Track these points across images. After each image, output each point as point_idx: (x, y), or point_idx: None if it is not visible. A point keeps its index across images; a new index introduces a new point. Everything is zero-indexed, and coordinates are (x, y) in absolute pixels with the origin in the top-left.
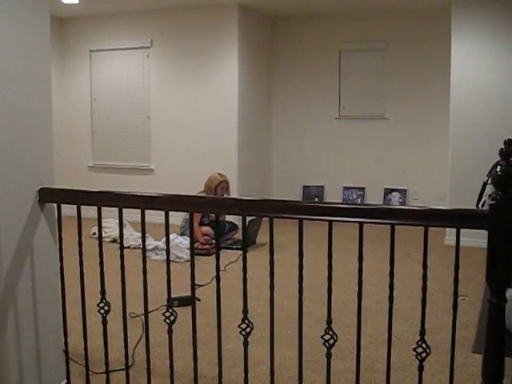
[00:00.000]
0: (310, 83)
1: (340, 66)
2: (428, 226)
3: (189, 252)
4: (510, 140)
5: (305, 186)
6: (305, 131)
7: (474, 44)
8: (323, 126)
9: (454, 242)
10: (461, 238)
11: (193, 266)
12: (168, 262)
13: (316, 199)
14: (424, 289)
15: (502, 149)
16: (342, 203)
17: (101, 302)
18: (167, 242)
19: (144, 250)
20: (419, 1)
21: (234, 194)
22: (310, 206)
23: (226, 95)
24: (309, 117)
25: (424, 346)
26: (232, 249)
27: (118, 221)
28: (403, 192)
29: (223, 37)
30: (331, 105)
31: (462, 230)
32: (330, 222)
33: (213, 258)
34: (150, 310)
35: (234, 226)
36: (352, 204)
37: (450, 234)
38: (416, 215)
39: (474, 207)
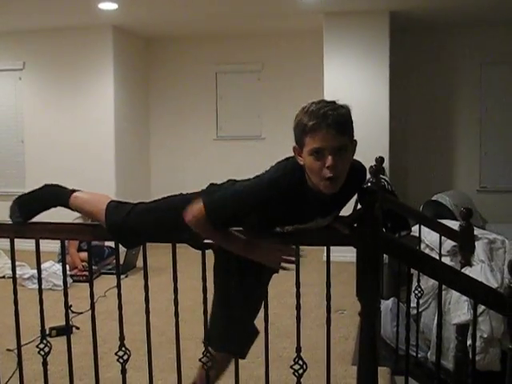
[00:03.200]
0: (188, 104)
1: (217, 87)
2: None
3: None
4: (380, 157)
5: None
6: (184, 153)
7: (344, 62)
8: (202, 148)
9: (332, 258)
10: (338, 254)
11: (66, 294)
12: (40, 290)
13: None
14: (298, 307)
15: (371, 166)
16: None
17: None
18: (38, 270)
19: (14, 279)
20: (292, 24)
21: None
22: None
23: (101, 118)
24: (187, 138)
25: (301, 362)
26: (112, 273)
27: None
28: None
29: (98, 58)
30: (209, 126)
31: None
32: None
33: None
34: (27, 341)
35: (113, 251)
36: None
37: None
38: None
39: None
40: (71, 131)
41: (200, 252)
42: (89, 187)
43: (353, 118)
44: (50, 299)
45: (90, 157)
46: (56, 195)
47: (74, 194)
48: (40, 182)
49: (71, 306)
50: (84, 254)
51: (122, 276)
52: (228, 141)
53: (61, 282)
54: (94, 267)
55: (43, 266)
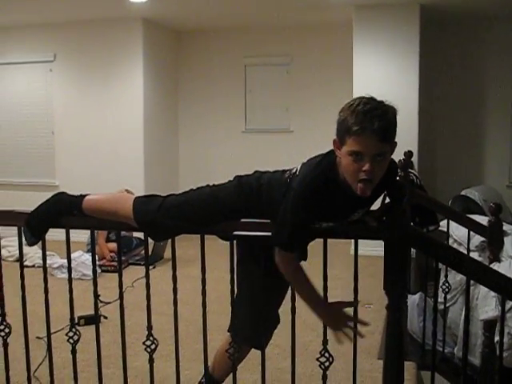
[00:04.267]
0: (217, 96)
1: (245, 80)
2: (327, 237)
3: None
4: (409, 151)
5: None
6: (212, 144)
7: (374, 56)
8: (230, 140)
9: (360, 252)
10: (366, 247)
11: (95, 284)
12: (70, 279)
13: None
14: (325, 300)
15: (400, 160)
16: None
17: (1, 324)
18: (68, 258)
19: (45, 269)
20: (322, 16)
21: None
22: None
23: (131, 110)
24: (216, 130)
25: (327, 355)
26: (140, 264)
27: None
28: None
29: (128, 51)
30: (237, 118)
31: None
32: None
33: None
34: (55, 330)
35: (141, 242)
36: None
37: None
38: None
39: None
40: (101, 123)
41: (228, 243)
42: (118, 179)
43: None
44: (79, 288)
45: (119, 149)
46: (65, 204)
47: (86, 197)
48: (70, 174)
49: (100, 295)
50: (113, 245)
51: (150, 267)
52: (256, 133)
53: (90, 272)
54: (122, 258)
55: (72, 255)
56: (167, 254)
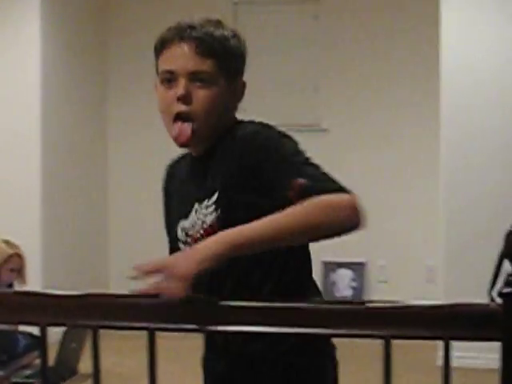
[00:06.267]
0: None
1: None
2: (391, 337)
3: None
4: None
5: None
6: (164, 153)
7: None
8: None
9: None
10: (462, 353)
11: None
12: None
13: None
14: None
15: None
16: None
17: None
18: None
19: None
20: None
21: (33, 278)
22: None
23: (18, 95)
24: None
25: None
26: None
27: None
28: (359, 268)
29: None
30: None
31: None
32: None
33: None
34: None
35: (34, 343)
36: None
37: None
38: (374, 318)
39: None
40: None
41: None
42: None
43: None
44: None
45: None
46: None
47: None
48: None
49: None
50: None
51: None
52: None
53: None
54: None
55: None
56: (84, 364)
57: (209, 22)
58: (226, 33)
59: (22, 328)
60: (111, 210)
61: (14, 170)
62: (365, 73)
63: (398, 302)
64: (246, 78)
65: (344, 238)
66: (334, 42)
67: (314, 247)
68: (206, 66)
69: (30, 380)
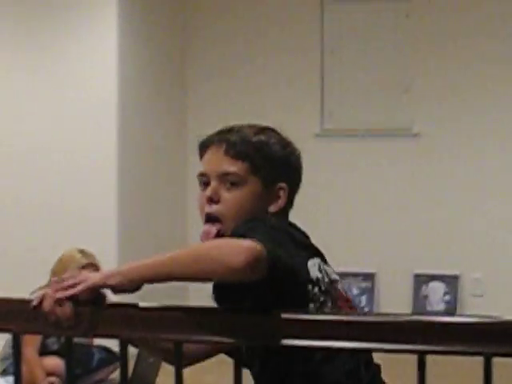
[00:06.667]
0: (263, 71)
1: (322, 33)
2: (493, 355)
3: None
4: None
5: None
6: None
7: None
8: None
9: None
10: None
11: None
12: None
13: None
14: None
15: None
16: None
17: None
18: None
19: None
20: None
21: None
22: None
23: (91, 108)
24: None
25: None
26: None
27: None
28: (453, 281)
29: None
30: (306, 110)
31: None
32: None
33: None
34: None
35: (109, 357)
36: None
37: None
38: (470, 334)
39: None
40: (38, 133)
41: None
42: (66, 237)
43: None
44: None
45: (73, 182)
46: None
47: None
48: None
49: None
50: (53, 362)
51: None
52: (344, 138)
53: None
54: None
55: None
56: (164, 380)
57: (251, 127)
58: (266, 139)
59: (97, 341)
60: (190, 218)
61: (90, 176)
62: (460, 72)
63: (495, 317)
64: (332, 79)
65: (437, 249)
66: (426, 40)
67: (406, 258)
68: (235, 167)
69: None
